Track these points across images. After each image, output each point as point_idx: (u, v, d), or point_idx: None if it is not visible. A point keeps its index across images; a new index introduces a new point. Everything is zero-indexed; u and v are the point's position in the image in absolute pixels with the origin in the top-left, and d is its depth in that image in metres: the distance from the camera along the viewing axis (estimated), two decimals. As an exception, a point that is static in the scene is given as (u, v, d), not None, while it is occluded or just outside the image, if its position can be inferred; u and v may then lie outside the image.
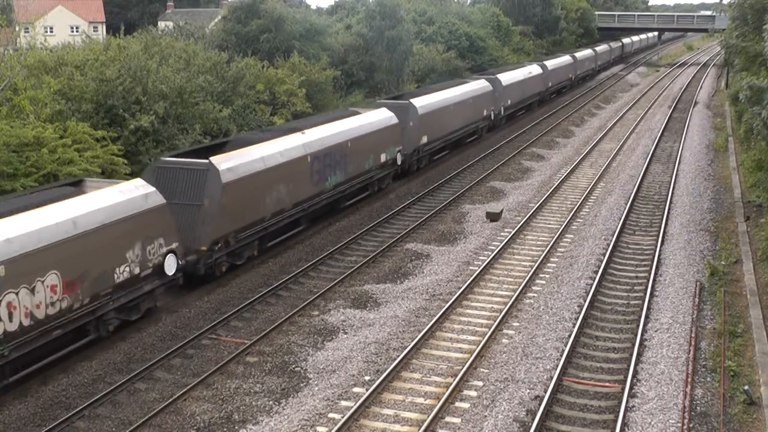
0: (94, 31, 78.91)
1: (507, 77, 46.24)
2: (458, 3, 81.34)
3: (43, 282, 15.23)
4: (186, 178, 20.23)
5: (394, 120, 30.69)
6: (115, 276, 16.99)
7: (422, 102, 33.90)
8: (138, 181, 18.61)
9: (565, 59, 63.66)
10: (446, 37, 61.46)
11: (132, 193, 17.82)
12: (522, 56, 71.59)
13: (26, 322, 14.95)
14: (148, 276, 17.99)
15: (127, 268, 17.31)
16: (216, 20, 53.91)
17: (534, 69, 53.12)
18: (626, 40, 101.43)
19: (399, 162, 31.34)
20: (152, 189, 18.43)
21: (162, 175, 20.16)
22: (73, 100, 25.93)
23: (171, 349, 17.11)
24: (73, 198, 16.89)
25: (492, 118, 43.57)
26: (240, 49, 40.43)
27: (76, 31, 70.95)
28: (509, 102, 46.44)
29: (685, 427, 14.07)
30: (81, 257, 16.04)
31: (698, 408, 14.81)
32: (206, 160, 20.50)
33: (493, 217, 26.99)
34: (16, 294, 14.68)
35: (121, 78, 27.11)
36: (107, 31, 71.99)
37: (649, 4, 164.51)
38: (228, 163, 20.91)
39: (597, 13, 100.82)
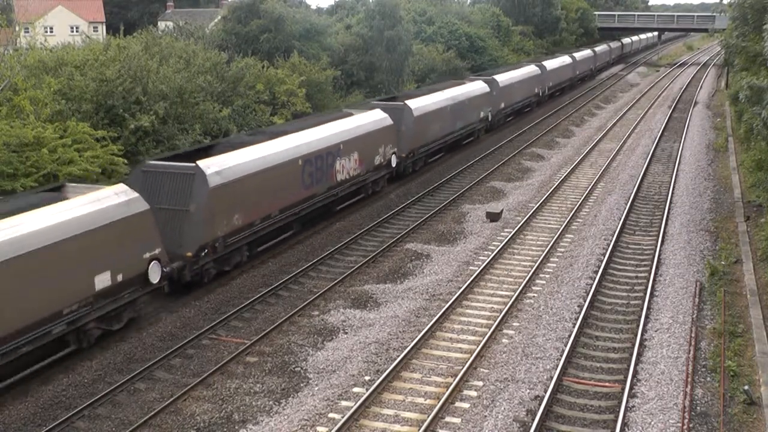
0: (94, 31, 78.96)
1: (549, 64, 59.26)
2: (458, 3, 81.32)
3: (353, 156, 27.32)
4: (392, 113, 31.16)
5: (486, 89, 42.78)
6: (375, 161, 29.26)
7: (502, 78, 46.21)
8: (378, 111, 30.53)
9: (587, 53, 76.37)
10: (446, 37, 61.47)
11: (379, 116, 30.28)
12: (522, 56, 71.71)
13: (347, 177, 27.14)
14: (384, 166, 30.27)
15: (378, 158, 29.60)
16: (216, 20, 53.90)
17: (566, 59, 65.70)
18: (634, 38, 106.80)
19: (489, 119, 43.42)
20: (386, 115, 30.45)
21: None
22: (73, 100, 25.92)
23: (171, 349, 17.12)
24: (352, 116, 29.02)
25: (540, 95, 56.27)
26: (240, 49, 40.43)
27: (76, 31, 70.98)
28: (551, 83, 59.19)
29: (685, 427, 14.07)
30: (365, 147, 28.22)
31: (698, 408, 14.81)
32: (402, 103, 32.72)
33: (493, 217, 27.00)
34: (344, 160, 26.74)
35: (121, 78, 27.10)
36: (107, 31, 72.03)
37: (649, 4, 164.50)
38: (414, 104, 33.08)
39: (597, 13, 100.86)
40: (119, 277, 17.00)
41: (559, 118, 50.93)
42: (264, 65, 37.48)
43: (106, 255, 16.59)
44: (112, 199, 17.21)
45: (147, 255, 17.71)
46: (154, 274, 17.96)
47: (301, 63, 39.90)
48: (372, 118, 29.67)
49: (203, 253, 19.83)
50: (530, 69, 54.01)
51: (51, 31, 68.56)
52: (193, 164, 19.82)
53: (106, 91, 26.48)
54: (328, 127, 26.63)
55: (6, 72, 23.98)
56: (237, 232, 21.07)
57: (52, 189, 18.17)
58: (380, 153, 29.59)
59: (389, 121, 30.43)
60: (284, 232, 24.03)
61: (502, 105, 45.91)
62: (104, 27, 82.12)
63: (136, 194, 17.83)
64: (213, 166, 20.28)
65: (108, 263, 16.64)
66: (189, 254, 19.34)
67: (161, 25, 60.64)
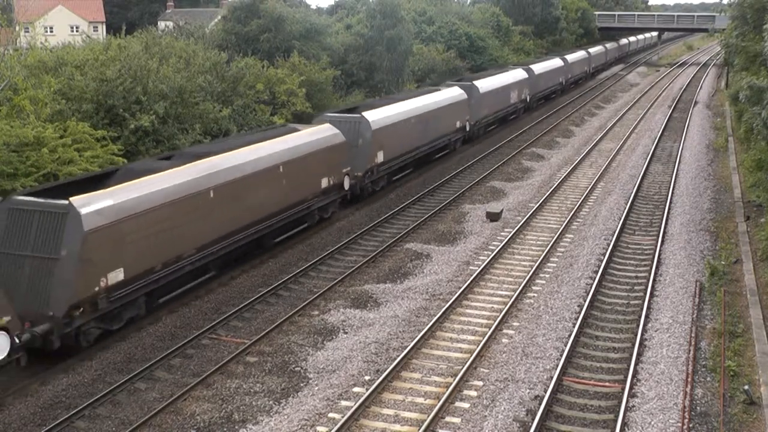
0: (94, 30, 78.97)
1: (593, 51, 77.83)
2: (458, 3, 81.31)
3: (514, 92, 47.80)
4: (526, 71, 50.57)
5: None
6: (521, 97, 49.43)
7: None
8: (520, 69, 51.21)
9: (613, 45, 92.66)
10: (446, 37, 61.43)
11: (521, 71, 50.62)
12: (522, 56, 71.67)
13: (513, 102, 48.14)
14: (523, 101, 49.02)
15: (523, 95, 49.49)
16: (216, 20, 53.86)
17: (600, 49, 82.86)
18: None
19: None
20: (524, 71, 51.32)
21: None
22: (73, 100, 25.89)
23: (171, 348, 17.12)
24: (509, 71, 49.39)
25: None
26: (240, 49, 40.39)
27: (76, 31, 70.92)
28: (593, 65, 77.60)
29: (685, 427, 14.07)
30: (516, 88, 48.27)
31: (698, 408, 14.81)
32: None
33: (493, 216, 27.00)
34: (512, 92, 47.27)
35: (122, 78, 27.07)
36: (107, 31, 72.03)
37: (649, 3, 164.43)
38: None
39: (597, 13, 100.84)
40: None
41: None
42: (264, 65, 37.42)
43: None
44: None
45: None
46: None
47: (301, 63, 39.84)
48: (519, 72, 49.37)
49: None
50: (578, 55, 69.26)
51: (51, 31, 68.56)
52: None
53: (106, 91, 26.45)
54: (506, 75, 47.13)
55: (6, 72, 23.94)
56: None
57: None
58: (523, 93, 49.15)
59: (525, 75, 50.05)
60: (505, 119, 44.73)
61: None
62: (104, 27, 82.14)
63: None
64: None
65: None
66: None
67: (161, 24, 60.64)
